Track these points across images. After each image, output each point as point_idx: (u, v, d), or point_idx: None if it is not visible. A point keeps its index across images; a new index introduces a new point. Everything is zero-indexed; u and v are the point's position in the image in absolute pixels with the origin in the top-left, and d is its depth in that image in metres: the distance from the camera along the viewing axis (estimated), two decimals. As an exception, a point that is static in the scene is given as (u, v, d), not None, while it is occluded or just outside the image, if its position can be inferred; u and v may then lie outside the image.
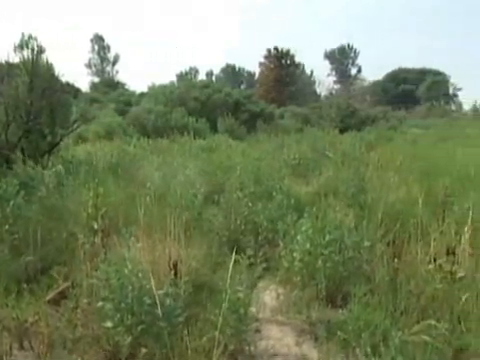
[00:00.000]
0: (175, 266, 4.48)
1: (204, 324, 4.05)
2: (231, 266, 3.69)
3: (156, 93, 32.04)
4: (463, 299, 4.28)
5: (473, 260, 4.90)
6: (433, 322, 4.04)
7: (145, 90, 45.23)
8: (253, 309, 4.37)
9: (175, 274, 4.41)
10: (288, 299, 4.94)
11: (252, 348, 4.13)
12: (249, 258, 4.25)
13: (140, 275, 3.77)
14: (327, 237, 4.87)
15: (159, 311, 3.58)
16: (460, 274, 4.68)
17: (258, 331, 4.47)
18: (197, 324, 4.12)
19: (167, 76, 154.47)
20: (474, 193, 7.22)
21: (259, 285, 5.45)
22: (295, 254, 4.99)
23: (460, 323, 4.26)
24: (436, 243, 5.17)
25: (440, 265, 4.81)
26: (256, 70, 78.49)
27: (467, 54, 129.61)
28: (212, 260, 5.51)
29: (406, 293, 4.53)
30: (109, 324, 3.71)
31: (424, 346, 3.85)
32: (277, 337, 4.46)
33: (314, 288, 4.83)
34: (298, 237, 5.07)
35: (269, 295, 5.23)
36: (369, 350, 3.90)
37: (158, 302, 3.57)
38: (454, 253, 4.98)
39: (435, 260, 4.88)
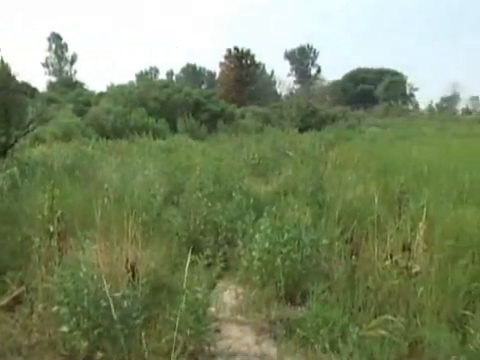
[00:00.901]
0: (133, 268, 4.43)
1: (163, 325, 4.02)
2: (187, 267, 3.67)
3: (115, 93, 31.60)
4: (418, 294, 4.37)
5: (428, 255, 5.01)
6: (390, 317, 4.13)
7: (104, 90, 44.60)
8: (213, 309, 4.36)
9: (133, 276, 4.36)
10: (248, 298, 4.95)
11: (212, 348, 4.12)
12: (207, 258, 4.24)
13: (96, 278, 3.70)
14: (285, 236, 4.91)
15: (114, 314, 3.52)
16: (415, 269, 4.78)
17: (218, 331, 4.47)
18: (156, 326, 4.08)
19: (127, 76, 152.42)
20: (428, 190, 7.41)
21: (219, 285, 5.47)
22: (254, 253, 5.00)
23: (415, 317, 4.35)
24: (393, 240, 5.27)
25: (396, 261, 4.91)
26: (217, 70, 78.44)
27: (423, 55, 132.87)
28: (171, 261, 5.47)
29: (364, 289, 4.60)
30: (65, 329, 3.64)
31: (381, 340, 3.92)
32: (237, 336, 4.46)
33: (273, 287, 4.85)
34: (257, 236, 5.09)
35: (229, 295, 5.23)
36: (328, 346, 3.96)
37: (113, 305, 3.52)
38: (410, 249, 5.09)
39: (392, 256, 4.98)
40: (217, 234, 6.32)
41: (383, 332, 3.97)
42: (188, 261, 3.66)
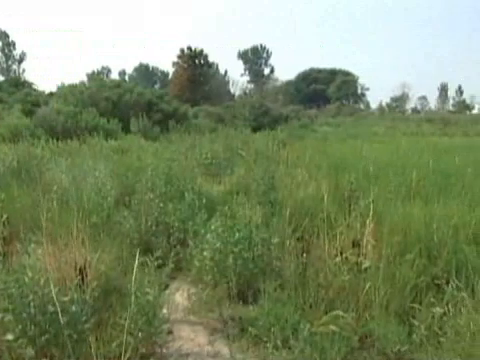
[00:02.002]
0: (82, 271, 4.34)
1: (114, 329, 3.95)
2: (136, 268, 3.62)
3: (65, 93, 30.78)
4: (366, 288, 4.46)
5: (376, 251, 5.12)
6: (340, 312, 4.19)
7: (54, 90, 43.55)
8: (165, 310, 4.33)
9: (82, 279, 4.27)
10: (200, 298, 4.93)
11: (164, 350, 4.09)
12: (157, 259, 4.18)
13: (42, 283, 3.60)
14: (236, 235, 4.92)
15: (61, 319, 3.43)
16: (365, 265, 4.89)
17: (170, 332, 4.42)
18: (107, 329, 4.01)
19: (78, 76, 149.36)
20: (378, 187, 7.58)
21: (172, 286, 5.42)
22: (206, 253, 4.99)
23: (365, 311, 4.44)
24: (343, 236, 5.37)
25: (346, 257, 5.00)
26: (170, 70, 77.92)
27: (374, 56, 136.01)
28: (122, 263, 5.38)
29: (315, 286, 4.66)
30: (10, 336, 3.51)
31: (332, 336, 3.98)
32: (189, 337, 4.44)
33: (225, 286, 4.86)
34: (208, 236, 5.08)
35: (181, 295, 5.19)
36: (280, 343, 3.99)
37: (60, 310, 3.42)
38: (359, 245, 5.20)
39: (342, 253, 5.07)
40: (169, 235, 6.27)
41: (334, 328, 4.03)
42: (136, 263, 3.60)
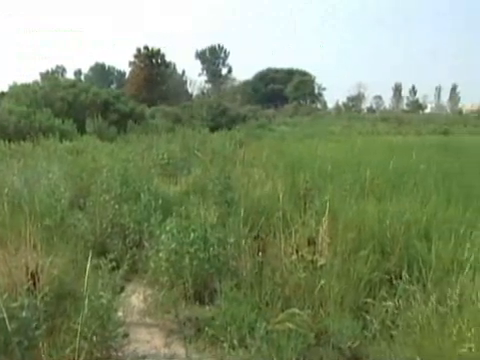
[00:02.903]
0: (33, 276, 4.22)
1: (67, 334, 3.86)
2: (88, 271, 3.56)
3: (18, 93, 29.94)
4: (321, 285, 4.51)
5: (332, 248, 5.19)
6: (296, 310, 4.23)
7: (6, 90, 42.26)
8: (120, 313, 4.27)
9: (34, 284, 4.16)
10: (156, 300, 4.88)
11: (119, 353, 4.03)
12: (111, 261, 4.12)
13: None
14: (192, 235, 4.89)
15: (9, 326, 3.33)
16: (320, 262, 4.94)
17: (126, 335, 4.35)
18: (60, 335, 3.92)
19: (32, 75, 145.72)
20: (333, 185, 7.70)
21: (128, 288, 5.36)
22: (161, 254, 4.94)
23: (321, 308, 4.50)
24: (299, 235, 5.42)
25: (302, 255, 5.04)
26: (127, 69, 76.86)
27: (331, 56, 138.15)
28: (76, 266, 5.28)
29: (271, 284, 4.68)
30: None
31: (288, 333, 4.01)
32: (146, 339, 4.40)
33: (181, 287, 4.82)
34: (163, 237, 5.03)
35: (137, 297, 5.12)
36: (236, 343, 3.99)
37: (7, 317, 3.32)
38: (315, 243, 5.26)
39: (298, 251, 5.11)
40: (125, 237, 6.18)
41: (290, 325, 4.06)
42: (88, 265, 3.54)
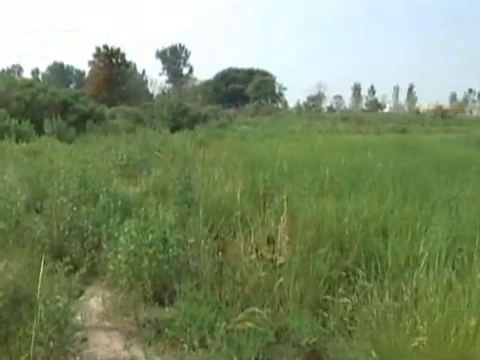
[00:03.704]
0: (-14, 282, 4.11)
1: (22, 341, 3.77)
2: (41, 275, 3.48)
3: (-29, 93, 29.09)
4: (281, 284, 4.55)
5: (291, 246, 5.24)
6: (256, 309, 4.25)
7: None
8: (79, 317, 4.21)
9: (-13, 290, 4.04)
10: (115, 303, 4.81)
11: (77, 358, 3.96)
12: (67, 264, 4.05)
13: None
14: (150, 236, 4.84)
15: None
16: (280, 261, 4.98)
17: (84, 340, 4.29)
18: (16, 342, 3.82)
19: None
20: (293, 184, 7.76)
21: (87, 291, 5.27)
22: (120, 256, 4.87)
23: (281, 306, 4.53)
24: (258, 234, 5.44)
25: (262, 254, 5.07)
26: (86, 69, 75.52)
27: (291, 56, 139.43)
28: (33, 271, 5.15)
29: (231, 284, 4.69)
30: None
31: (248, 332, 4.03)
32: (105, 343, 4.33)
33: (141, 289, 4.77)
34: (121, 239, 4.97)
35: (96, 301, 5.04)
36: (197, 343, 3.98)
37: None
38: (274, 242, 5.30)
39: (257, 250, 5.14)
40: (83, 239, 6.07)
41: (250, 324, 4.08)
42: (42, 269, 3.46)
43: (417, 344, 3.31)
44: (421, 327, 3.43)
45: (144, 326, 4.49)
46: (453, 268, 4.44)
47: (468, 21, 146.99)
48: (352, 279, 4.69)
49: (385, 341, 3.61)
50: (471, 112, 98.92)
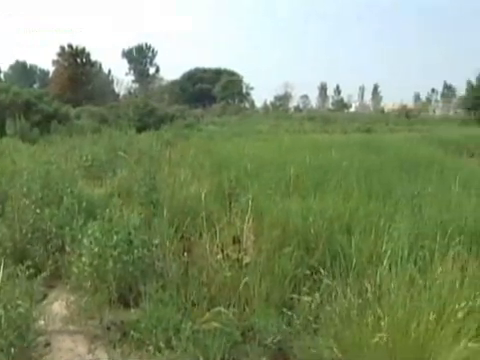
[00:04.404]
0: None
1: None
2: (0, 280, 3.41)
3: None
4: (247, 283, 4.56)
5: (256, 246, 5.26)
6: (222, 309, 4.26)
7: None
8: (41, 322, 4.14)
9: None
10: (79, 306, 4.74)
11: (40, 364, 3.89)
12: (29, 268, 3.97)
13: None
14: (115, 238, 4.79)
15: None
16: (246, 260, 4.99)
17: (48, 344, 4.23)
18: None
19: None
20: (259, 184, 7.79)
21: (51, 295, 5.20)
22: (84, 258, 4.80)
23: (247, 306, 4.54)
24: (224, 234, 5.45)
25: (227, 254, 5.08)
26: (50, 68, 74.09)
27: (258, 56, 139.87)
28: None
29: (197, 285, 4.68)
30: None
31: (215, 332, 4.03)
32: (69, 347, 4.27)
33: (106, 291, 4.72)
34: (85, 241, 4.90)
35: (60, 304, 4.96)
36: (162, 345, 3.96)
37: None
38: (240, 241, 5.31)
39: (223, 250, 5.14)
40: (47, 242, 5.96)
41: (216, 324, 4.09)
42: (1, 273, 3.39)
43: (378, 340, 3.36)
44: (383, 323, 3.49)
45: (109, 329, 4.44)
46: (415, 264, 4.52)
47: (431, 22, 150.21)
48: (317, 277, 4.74)
49: (349, 337, 3.66)
50: (434, 111, 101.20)
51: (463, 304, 3.54)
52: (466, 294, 3.78)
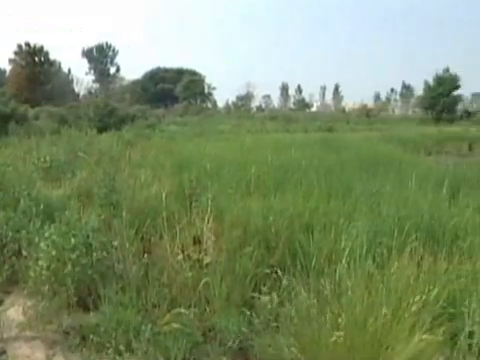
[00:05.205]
0: None
1: None
2: None
3: None
4: (208, 283, 4.56)
5: (217, 246, 5.26)
6: (182, 310, 4.25)
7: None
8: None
9: None
10: (37, 311, 4.63)
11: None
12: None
13: None
14: (73, 241, 4.70)
15: None
16: (206, 261, 4.99)
17: (3, 352, 4.12)
18: None
19: None
20: (220, 184, 7.79)
21: (7, 301, 5.08)
22: (41, 262, 4.69)
23: (208, 306, 4.54)
24: (184, 234, 5.42)
25: (188, 255, 5.06)
26: (7, 67, 72.24)
27: (220, 56, 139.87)
28: None
29: (158, 286, 4.65)
30: None
31: (175, 333, 4.02)
32: (25, 354, 4.17)
33: (65, 295, 4.63)
34: (42, 244, 4.79)
35: (17, 310, 4.83)
36: (122, 348, 3.93)
37: None
38: (200, 241, 5.30)
39: (184, 251, 5.12)
40: (2, 246, 5.80)
41: (176, 325, 4.07)
42: None
43: (334, 338, 3.41)
44: (341, 320, 3.54)
45: (68, 333, 4.37)
46: (374, 261, 4.61)
47: (391, 23, 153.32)
48: (278, 276, 4.77)
49: (308, 336, 3.70)
50: (393, 111, 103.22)
51: (418, 298, 3.63)
52: (421, 288, 3.88)
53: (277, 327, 4.10)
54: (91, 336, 4.13)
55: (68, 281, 4.60)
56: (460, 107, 61.70)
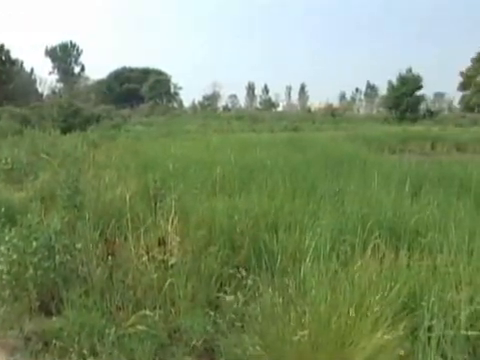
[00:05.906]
0: None
1: None
2: None
3: None
4: (173, 284, 4.55)
5: (182, 246, 5.24)
6: (147, 312, 4.22)
7: None
8: None
9: None
10: (-3, 317, 4.54)
11: None
12: None
13: None
14: (34, 244, 4.62)
15: None
16: (171, 262, 4.97)
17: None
18: None
19: None
20: (185, 184, 7.77)
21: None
22: (1, 266, 4.59)
23: (173, 307, 4.53)
24: (149, 235, 5.40)
25: (153, 256, 5.03)
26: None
27: (186, 55, 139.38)
28: None
29: (122, 288, 4.61)
30: None
31: (141, 336, 3.99)
32: (-16, 362, 4.07)
33: (26, 299, 4.55)
34: (2, 248, 4.69)
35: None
36: (86, 352, 3.88)
37: None
38: (165, 242, 5.28)
39: (148, 252, 5.09)
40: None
41: (141, 327, 4.05)
42: None
43: (299, 337, 3.45)
44: (305, 318, 3.58)
45: (30, 339, 4.28)
46: (338, 259, 4.68)
47: (356, 23, 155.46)
48: (242, 276, 4.79)
49: (273, 334, 3.72)
50: (358, 110, 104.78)
51: (379, 295, 3.70)
52: (383, 284, 3.96)
53: (242, 326, 4.10)
54: (54, 341, 4.07)
55: (30, 285, 4.52)
56: (423, 107, 62.76)
